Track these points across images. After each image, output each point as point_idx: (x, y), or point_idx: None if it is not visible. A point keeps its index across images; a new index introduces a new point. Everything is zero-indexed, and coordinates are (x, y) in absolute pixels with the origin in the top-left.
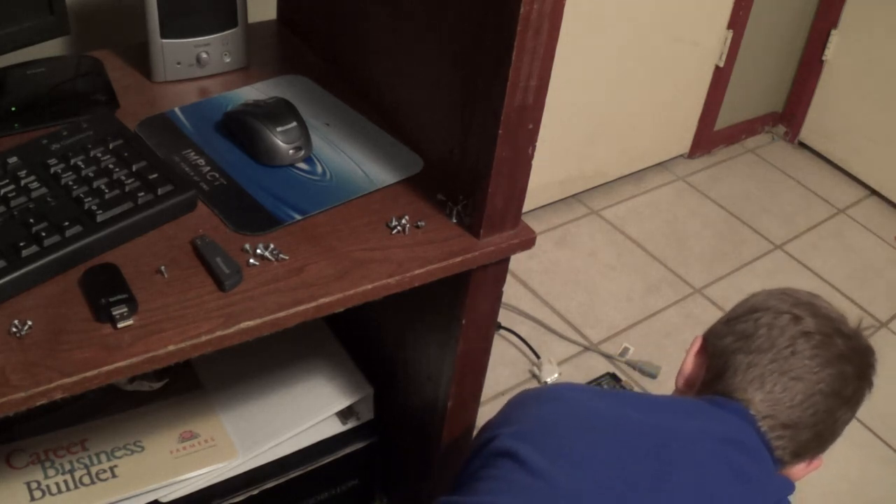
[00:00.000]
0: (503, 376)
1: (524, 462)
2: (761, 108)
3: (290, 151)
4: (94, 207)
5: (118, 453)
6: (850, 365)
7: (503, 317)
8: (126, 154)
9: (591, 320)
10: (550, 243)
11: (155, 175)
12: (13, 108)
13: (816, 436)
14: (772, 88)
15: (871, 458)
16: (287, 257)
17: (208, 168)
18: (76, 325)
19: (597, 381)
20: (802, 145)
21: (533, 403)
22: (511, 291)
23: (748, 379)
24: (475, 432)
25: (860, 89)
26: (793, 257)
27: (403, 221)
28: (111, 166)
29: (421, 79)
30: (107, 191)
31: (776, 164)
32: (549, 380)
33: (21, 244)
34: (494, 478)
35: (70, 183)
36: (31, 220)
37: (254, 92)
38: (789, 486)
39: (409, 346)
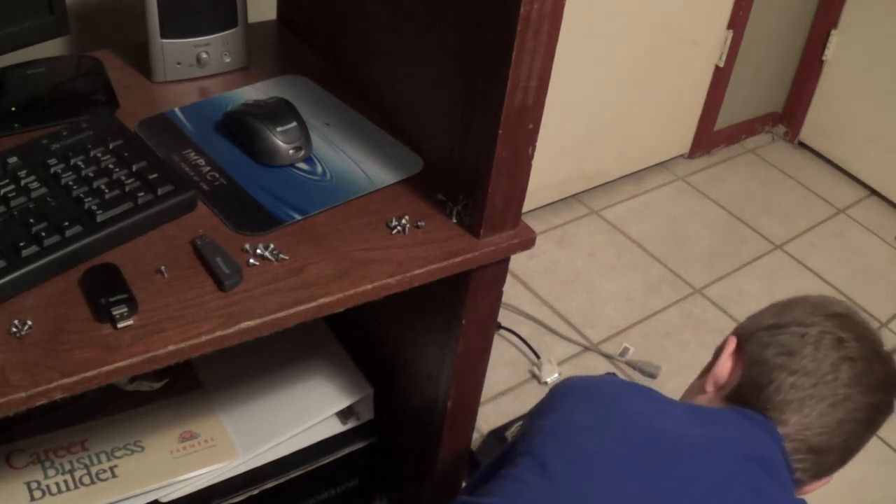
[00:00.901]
0: (503, 376)
1: (543, 463)
2: (761, 108)
3: (290, 151)
4: (94, 207)
5: (118, 453)
6: (886, 393)
7: (503, 317)
8: (126, 154)
9: (591, 320)
10: (550, 243)
11: (155, 175)
12: (13, 108)
13: (841, 459)
14: (772, 88)
15: (871, 458)
16: (287, 257)
17: (208, 168)
18: (76, 325)
19: None
20: (802, 145)
21: (574, 398)
22: (511, 291)
23: (788, 400)
24: (475, 433)
25: (860, 89)
26: (793, 257)
27: (403, 221)
28: (111, 166)
29: (421, 79)
30: (107, 191)
31: (776, 164)
32: (549, 380)
33: (21, 244)
34: (511, 477)
35: (70, 183)
36: (31, 220)
37: (254, 92)
38: None
39: (409, 346)
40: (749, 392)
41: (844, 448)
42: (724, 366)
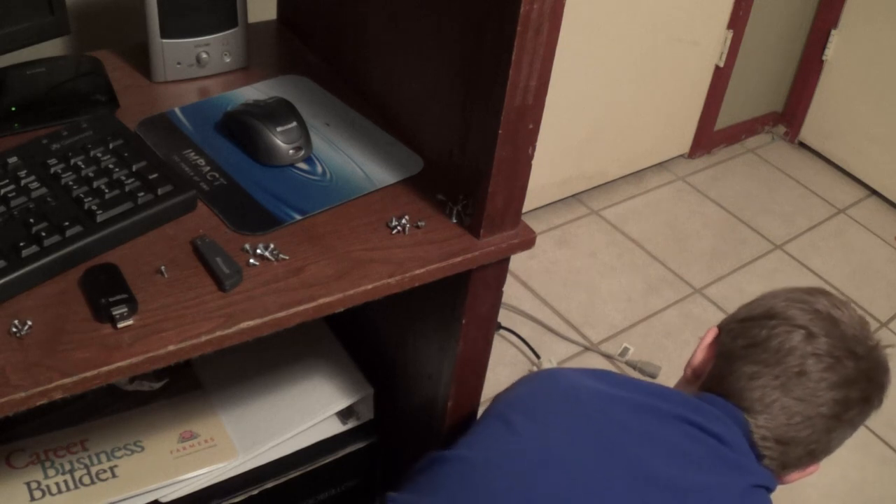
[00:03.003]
0: (503, 376)
1: (508, 421)
2: (761, 108)
3: (290, 151)
4: (94, 207)
5: (118, 453)
6: (857, 389)
7: (503, 317)
8: (126, 154)
9: (591, 320)
10: (550, 243)
11: (155, 175)
12: (13, 108)
13: (808, 453)
14: (772, 88)
15: (871, 458)
16: (287, 257)
17: (208, 168)
18: (76, 325)
19: None
20: (802, 145)
21: (533, 379)
22: (511, 291)
23: (749, 388)
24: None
25: (860, 89)
26: (793, 257)
27: (403, 221)
28: (111, 166)
29: (421, 79)
30: (107, 191)
31: (776, 164)
32: None
33: (21, 244)
34: (477, 432)
35: (70, 183)
36: (31, 220)
37: (254, 92)
38: (769, 479)
39: (409, 346)
40: (714, 381)
41: (810, 442)
42: (699, 354)
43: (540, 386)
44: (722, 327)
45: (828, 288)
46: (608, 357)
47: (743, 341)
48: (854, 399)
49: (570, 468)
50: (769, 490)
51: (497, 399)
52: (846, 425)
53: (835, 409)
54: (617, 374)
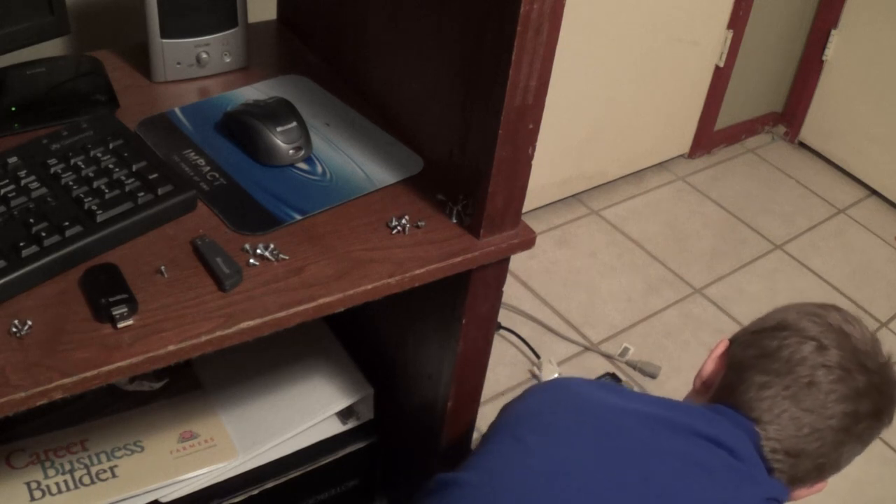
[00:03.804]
0: (503, 376)
1: (518, 437)
2: (761, 108)
3: (290, 151)
4: (94, 207)
5: (118, 453)
6: (867, 403)
7: (503, 317)
8: (126, 154)
9: (591, 320)
10: (550, 243)
11: (155, 175)
12: (13, 108)
13: (817, 467)
14: (772, 88)
15: (871, 458)
16: (287, 257)
17: (208, 168)
18: (76, 325)
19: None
20: (802, 145)
21: (542, 390)
22: (511, 291)
23: (759, 398)
24: (475, 433)
25: (860, 89)
26: (793, 257)
27: (403, 221)
28: (111, 166)
29: (421, 79)
30: (107, 191)
31: (776, 164)
32: None
33: (21, 244)
34: (485, 452)
35: (70, 183)
36: (31, 220)
37: (254, 92)
38: (781, 491)
39: (409, 346)
40: (725, 392)
41: (820, 455)
42: (710, 365)
43: (550, 398)
44: (733, 339)
45: (828, 288)
46: (608, 357)
47: (754, 351)
48: (864, 413)
49: (581, 484)
50: (781, 503)
51: (506, 411)
52: (856, 440)
53: (844, 422)
54: (626, 387)
